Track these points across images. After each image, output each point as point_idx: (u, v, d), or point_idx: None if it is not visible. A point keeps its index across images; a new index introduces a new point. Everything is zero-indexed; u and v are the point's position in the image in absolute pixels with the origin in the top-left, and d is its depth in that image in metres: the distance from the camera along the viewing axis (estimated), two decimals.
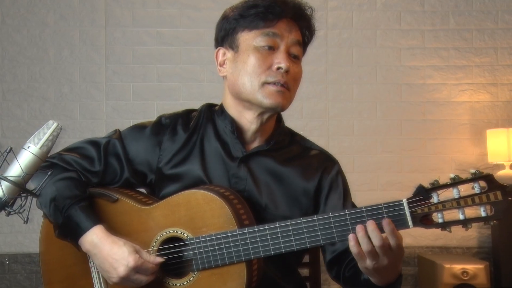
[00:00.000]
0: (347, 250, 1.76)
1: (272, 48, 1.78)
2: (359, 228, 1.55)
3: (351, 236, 1.57)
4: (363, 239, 1.54)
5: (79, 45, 4.53)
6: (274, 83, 1.76)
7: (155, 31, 4.55)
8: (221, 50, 1.87)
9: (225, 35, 1.85)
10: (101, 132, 4.41)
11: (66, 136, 4.31)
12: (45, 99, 4.49)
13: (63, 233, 1.77)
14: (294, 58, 1.82)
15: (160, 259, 1.72)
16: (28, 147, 1.48)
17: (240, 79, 1.80)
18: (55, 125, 1.51)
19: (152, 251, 1.77)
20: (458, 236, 4.44)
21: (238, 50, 1.81)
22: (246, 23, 1.80)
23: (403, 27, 4.58)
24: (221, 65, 1.87)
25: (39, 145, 1.48)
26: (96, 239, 1.71)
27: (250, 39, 1.79)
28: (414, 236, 4.45)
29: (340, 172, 1.93)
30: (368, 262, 1.56)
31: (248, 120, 1.86)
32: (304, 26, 1.85)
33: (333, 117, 4.54)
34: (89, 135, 4.31)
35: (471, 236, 4.44)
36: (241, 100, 1.83)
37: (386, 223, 1.53)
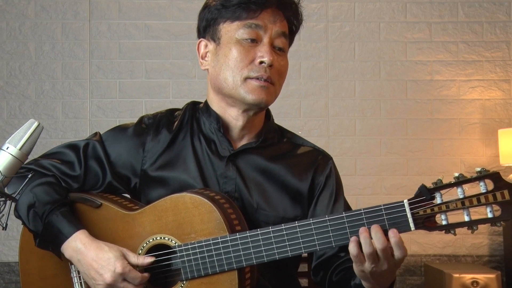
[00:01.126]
0: (336, 255, 1.85)
1: (255, 41, 1.79)
2: (362, 230, 1.56)
3: (353, 237, 1.58)
4: (365, 241, 1.55)
5: (61, 39, 4.53)
6: (257, 78, 1.79)
7: (143, 23, 4.56)
8: (203, 42, 1.88)
9: (207, 26, 1.86)
10: (85, 132, 4.44)
11: (48, 136, 4.45)
12: (25, 97, 4.48)
13: (44, 241, 1.77)
14: (279, 51, 1.83)
15: (149, 259, 1.72)
16: (7, 148, 1.49)
17: (222, 73, 1.81)
18: (35, 124, 1.53)
19: None
20: (468, 243, 4.43)
21: (219, 42, 1.82)
22: (228, 13, 1.80)
23: (408, 20, 4.57)
24: (203, 57, 1.89)
25: (18, 146, 1.49)
26: (79, 244, 1.72)
27: (232, 31, 1.80)
28: (420, 244, 4.46)
29: (333, 169, 1.96)
30: (367, 265, 1.56)
31: (232, 117, 1.88)
32: (291, 15, 1.87)
33: (333, 116, 4.54)
34: (72, 135, 4.41)
35: (481, 243, 4.43)
36: (224, 96, 1.85)
37: (392, 233, 1.54)
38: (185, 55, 4.54)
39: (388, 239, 1.54)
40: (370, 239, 1.55)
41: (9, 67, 4.48)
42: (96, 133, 1.97)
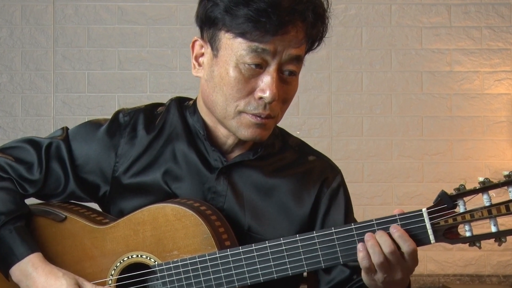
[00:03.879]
0: (348, 278, 1.84)
1: (259, 66, 1.68)
2: (368, 236, 1.56)
3: (360, 246, 1.58)
4: (373, 248, 1.56)
5: (21, 23, 4.52)
6: (253, 115, 1.72)
7: (116, 6, 4.54)
8: (199, 42, 1.79)
9: (205, 22, 1.75)
10: (48, 131, 4.34)
11: (5, 136, 4.44)
12: None
13: None
14: (289, 75, 1.73)
15: None
16: None
17: (214, 95, 1.76)
18: None
19: (110, 281, 1.76)
20: (493, 261, 4.41)
21: (217, 54, 1.72)
22: (232, 24, 1.67)
23: (424, 1, 4.56)
24: (197, 58, 1.81)
25: None
26: (30, 268, 1.71)
27: (233, 49, 1.69)
28: (438, 262, 4.45)
29: (342, 185, 1.93)
30: (379, 276, 1.58)
31: (222, 134, 1.85)
32: (314, 33, 1.74)
33: (337, 114, 4.55)
34: (34, 135, 4.30)
35: (509, 261, 4.43)
36: (215, 116, 1.83)
37: (393, 228, 1.56)
38: (165, 42, 4.54)
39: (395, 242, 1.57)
40: (378, 246, 1.56)
41: None
42: (63, 129, 1.94)
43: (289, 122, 4.29)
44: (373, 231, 1.58)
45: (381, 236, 1.56)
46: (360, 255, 1.58)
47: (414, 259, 1.59)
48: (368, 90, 4.55)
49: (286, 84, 1.73)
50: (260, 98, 1.68)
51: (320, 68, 4.54)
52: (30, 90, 4.50)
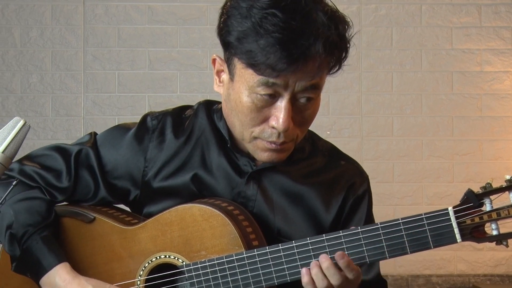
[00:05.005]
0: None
1: (272, 96, 1.65)
2: (313, 265, 1.62)
3: (304, 271, 1.63)
4: (317, 276, 1.62)
5: (51, 23, 4.55)
6: (268, 142, 1.71)
7: (146, 6, 4.58)
8: (218, 61, 1.78)
9: (223, 44, 1.73)
10: (78, 131, 4.46)
11: (36, 137, 4.46)
12: (9, 91, 4.53)
13: (21, 268, 1.80)
14: (307, 101, 1.69)
15: None
16: None
17: (231, 118, 1.76)
18: (21, 123, 1.52)
19: (139, 282, 1.79)
20: None
21: (233, 79, 1.71)
22: (243, 54, 1.64)
23: (454, 1, 4.59)
24: (219, 74, 1.79)
25: (1, 148, 1.48)
26: (59, 281, 1.74)
27: (246, 78, 1.66)
28: (468, 262, 4.48)
29: (367, 192, 1.94)
30: None
31: (247, 146, 1.83)
32: (334, 60, 1.70)
33: (367, 114, 4.57)
34: (64, 136, 4.38)
35: None
36: None
37: (339, 256, 1.60)
38: (195, 42, 4.55)
39: (341, 270, 1.61)
40: (323, 274, 1.61)
41: None
42: (90, 134, 1.97)
43: (319, 122, 4.28)
44: (400, 231, 1.59)
45: (327, 268, 1.61)
46: (304, 280, 1.63)
47: (358, 279, 1.65)
48: (398, 90, 4.57)
49: (303, 111, 1.70)
50: (274, 127, 1.66)
51: (350, 68, 4.26)
52: (61, 90, 4.52)
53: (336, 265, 1.61)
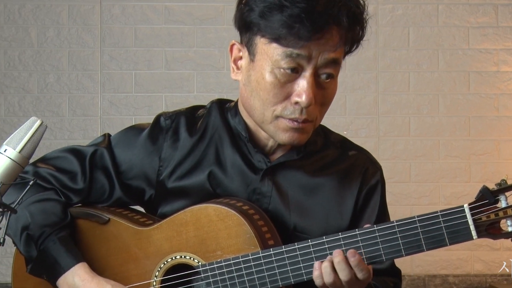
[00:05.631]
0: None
1: (295, 70, 1.70)
2: (326, 259, 1.65)
3: (316, 264, 1.65)
4: (326, 269, 1.64)
5: (68, 23, 4.58)
6: (290, 119, 1.75)
7: (163, 6, 4.61)
8: (237, 46, 1.83)
9: (243, 27, 1.79)
10: (95, 131, 4.50)
11: (52, 137, 4.49)
12: (26, 91, 4.56)
13: (37, 269, 1.82)
14: (327, 78, 1.74)
15: None
16: (4, 151, 1.50)
17: (252, 99, 1.78)
18: (38, 123, 1.53)
19: (154, 283, 1.81)
20: None
21: (254, 59, 1.75)
22: (267, 29, 1.70)
23: (471, 1, 4.62)
24: (236, 62, 1.84)
25: (18, 148, 1.50)
26: (78, 281, 1.76)
27: (269, 53, 1.71)
28: (485, 262, 4.50)
29: (380, 182, 1.97)
30: None
31: (264, 136, 1.88)
32: (351, 36, 1.76)
33: (384, 114, 4.61)
34: (81, 135, 4.37)
35: None
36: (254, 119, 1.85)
37: (351, 254, 1.63)
38: (212, 42, 4.58)
39: (350, 265, 1.64)
40: (333, 270, 1.64)
41: (7, 56, 4.54)
42: (104, 136, 2.00)
43: (336, 122, 4.43)
44: (415, 228, 1.61)
45: (338, 262, 1.63)
46: (315, 274, 1.65)
47: (368, 279, 1.66)
48: (415, 90, 4.59)
49: (324, 89, 1.75)
50: (296, 102, 1.71)
51: (367, 68, 4.58)
52: (77, 90, 4.55)
53: (347, 261, 1.63)
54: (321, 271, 1.64)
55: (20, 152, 1.49)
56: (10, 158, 1.48)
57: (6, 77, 4.55)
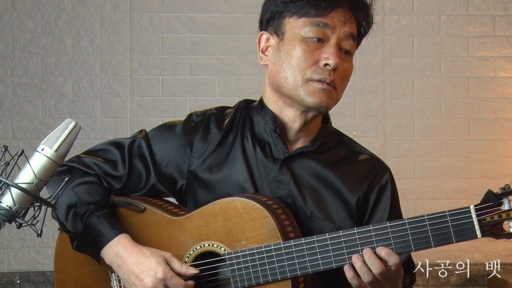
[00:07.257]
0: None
1: (321, 41, 1.90)
2: (356, 259, 1.73)
3: (347, 267, 1.74)
4: (362, 269, 1.72)
5: (100, 33, 4.76)
6: (319, 81, 1.89)
7: (187, 16, 4.79)
8: (265, 35, 2.00)
9: (271, 18, 1.97)
10: (125, 132, 4.70)
11: (86, 137, 4.71)
12: (61, 95, 4.73)
13: (83, 244, 1.92)
14: (345, 54, 1.93)
15: (193, 270, 1.84)
16: (42, 150, 1.55)
17: (283, 71, 1.92)
18: (72, 124, 1.59)
19: None
20: None
21: (283, 37, 1.93)
22: (295, 8, 1.90)
23: (471, 12, 4.78)
24: (263, 51, 2.01)
25: (54, 147, 1.55)
26: (121, 249, 1.85)
27: (298, 28, 1.90)
28: (483, 252, 4.70)
29: (390, 181, 2.07)
30: None
31: (289, 118, 1.99)
32: (362, 17, 1.97)
33: (390, 116, 4.78)
34: (112, 136, 4.63)
35: None
36: (282, 95, 1.97)
37: (380, 249, 1.72)
38: (232, 50, 4.76)
39: (381, 259, 1.72)
40: (366, 266, 1.72)
41: (44, 63, 4.71)
42: (142, 131, 2.09)
43: (347, 123, 4.62)
44: (425, 226, 1.68)
45: (369, 258, 1.70)
46: (349, 276, 1.73)
47: (399, 272, 1.74)
48: (419, 94, 4.78)
49: (344, 61, 1.92)
50: (325, 65, 1.88)
51: (375, 74, 4.78)
52: (109, 94, 4.74)
53: (376, 255, 1.72)
54: (355, 271, 1.73)
55: (56, 151, 1.54)
56: (47, 157, 1.53)
57: (43, 82, 4.73)
